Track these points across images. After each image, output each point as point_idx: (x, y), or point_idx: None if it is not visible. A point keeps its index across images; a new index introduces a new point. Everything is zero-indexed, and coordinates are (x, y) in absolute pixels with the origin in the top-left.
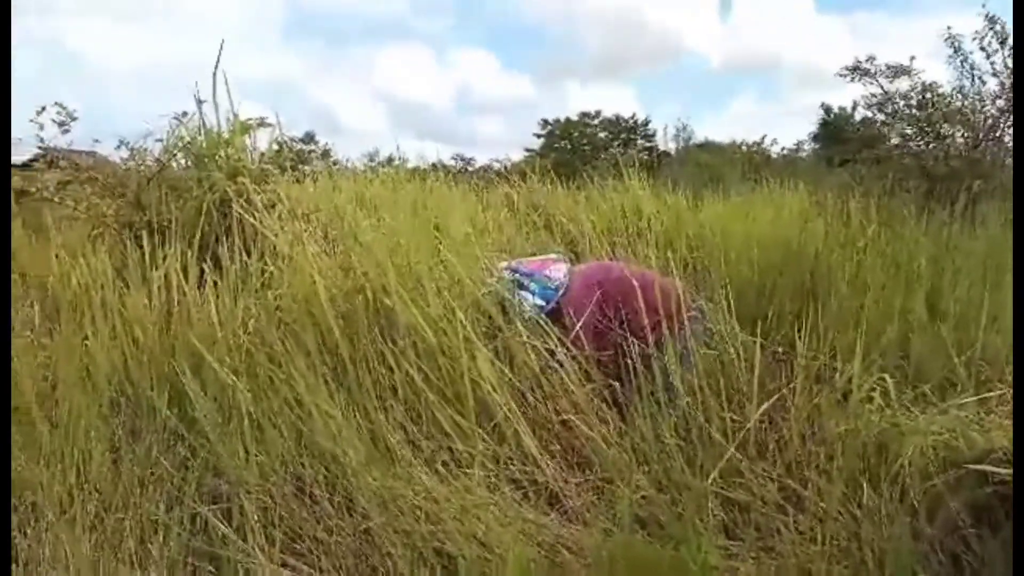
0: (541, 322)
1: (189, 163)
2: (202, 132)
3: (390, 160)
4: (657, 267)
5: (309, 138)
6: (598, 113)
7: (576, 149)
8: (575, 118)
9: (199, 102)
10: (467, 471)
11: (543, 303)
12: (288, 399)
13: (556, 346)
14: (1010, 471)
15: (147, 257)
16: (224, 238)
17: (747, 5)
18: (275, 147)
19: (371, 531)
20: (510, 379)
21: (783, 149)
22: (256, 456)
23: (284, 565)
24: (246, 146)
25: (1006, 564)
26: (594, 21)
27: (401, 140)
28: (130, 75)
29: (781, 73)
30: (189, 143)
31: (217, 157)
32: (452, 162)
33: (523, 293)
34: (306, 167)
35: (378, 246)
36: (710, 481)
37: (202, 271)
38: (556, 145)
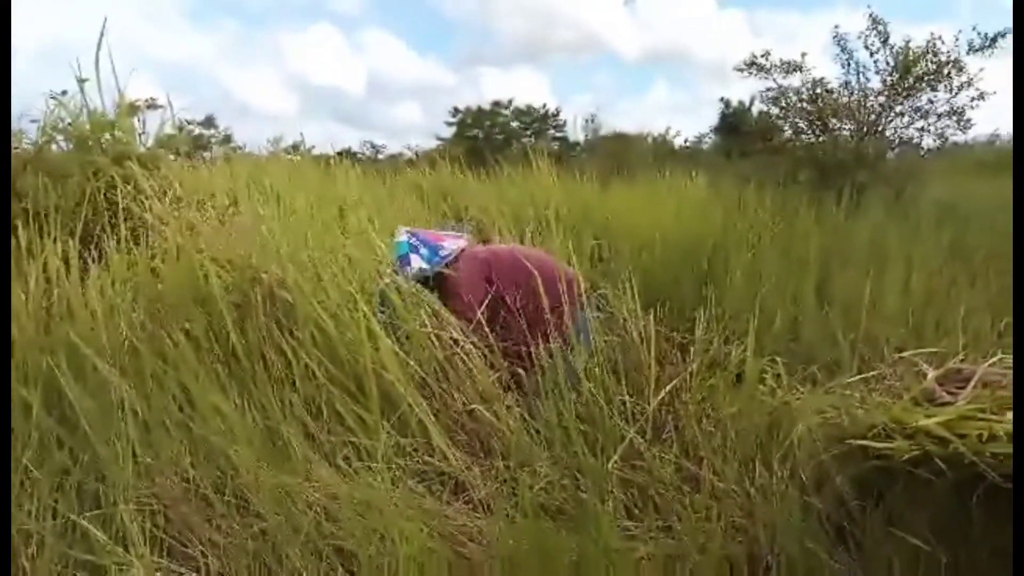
0: (418, 288)
1: (70, 146)
2: (85, 113)
3: (295, 146)
4: (564, 255)
5: (209, 122)
6: (510, 102)
7: (488, 138)
8: (488, 107)
9: (80, 81)
10: (370, 465)
11: (427, 266)
12: (177, 396)
13: (459, 335)
14: (889, 445)
15: (23, 248)
16: (109, 227)
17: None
18: (168, 130)
19: (267, 531)
20: (414, 370)
21: (686, 140)
22: (142, 458)
23: (170, 571)
24: (134, 129)
25: (885, 533)
26: (508, 9)
27: (312, 125)
28: (32, 54)
29: (688, 66)
30: (70, 124)
31: (102, 140)
32: (363, 149)
33: (413, 256)
34: (205, 152)
35: (275, 234)
36: (611, 465)
37: (85, 262)
38: (468, 134)
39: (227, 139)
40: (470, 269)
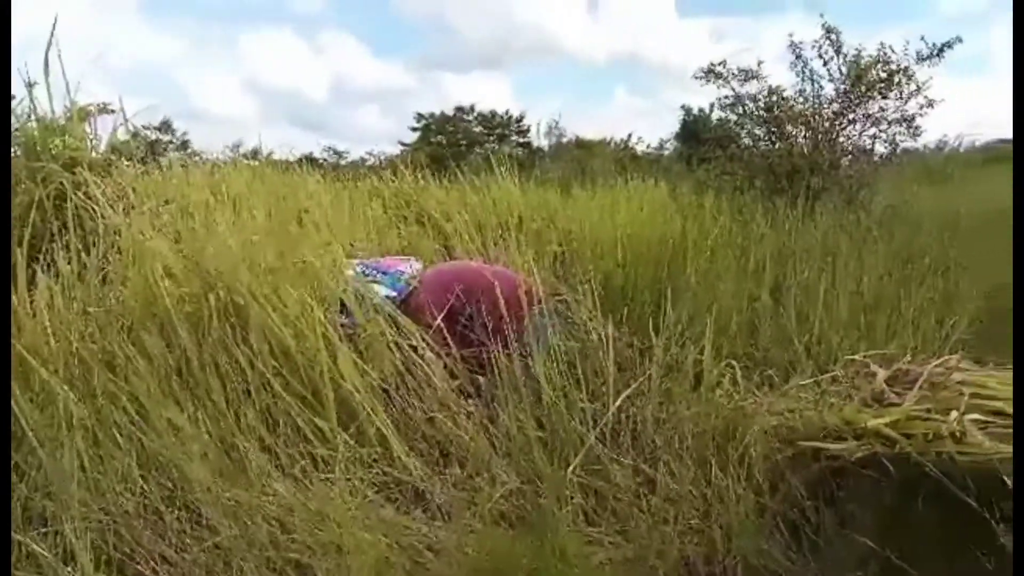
0: (393, 313)
1: (18, 152)
2: (33, 118)
3: (255, 152)
4: (526, 261)
5: (166, 126)
6: (473, 107)
7: (452, 143)
8: (451, 112)
9: (29, 85)
10: (327, 476)
11: (395, 294)
12: (128, 409)
13: (419, 342)
14: (839, 446)
15: None
16: (60, 235)
17: (617, 6)
18: (122, 135)
19: (221, 546)
20: (373, 379)
21: (648, 147)
22: (92, 473)
23: None
24: (85, 134)
25: (837, 533)
26: (471, 13)
27: (272, 130)
28: None
29: (650, 72)
30: (17, 130)
31: (51, 146)
32: (325, 154)
33: (374, 287)
34: (161, 158)
35: (232, 242)
36: (571, 471)
37: (34, 272)
38: (431, 139)
39: (184, 144)
40: (435, 291)
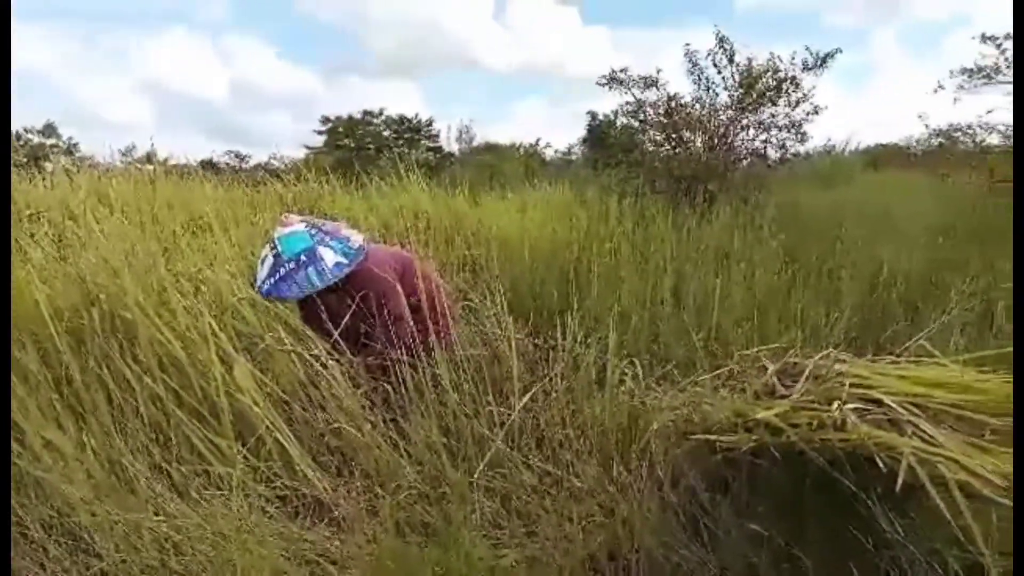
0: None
1: None
2: None
3: (149, 157)
4: (436, 264)
5: (50, 130)
6: (382, 111)
7: (360, 148)
8: (359, 116)
9: None
10: (224, 493)
11: (345, 261)
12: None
13: (320, 351)
14: (732, 438)
15: None
16: None
17: (521, 15)
18: None
19: (107, 572)
20: (272, 389)
21: (556, 152)
22: None
23: None
24: None
25: (733, 522)
26: (380, 19)
27: (170, 135)
28: None
29: (557, 80)
30: None
31: None
32: (226, 159)
33: (323, 249)
34: (46, 163)
35: (117, 251)
36: (476, 475)
37: None
38: (339, 143)
39: (71, 150)
40: (382, 262)
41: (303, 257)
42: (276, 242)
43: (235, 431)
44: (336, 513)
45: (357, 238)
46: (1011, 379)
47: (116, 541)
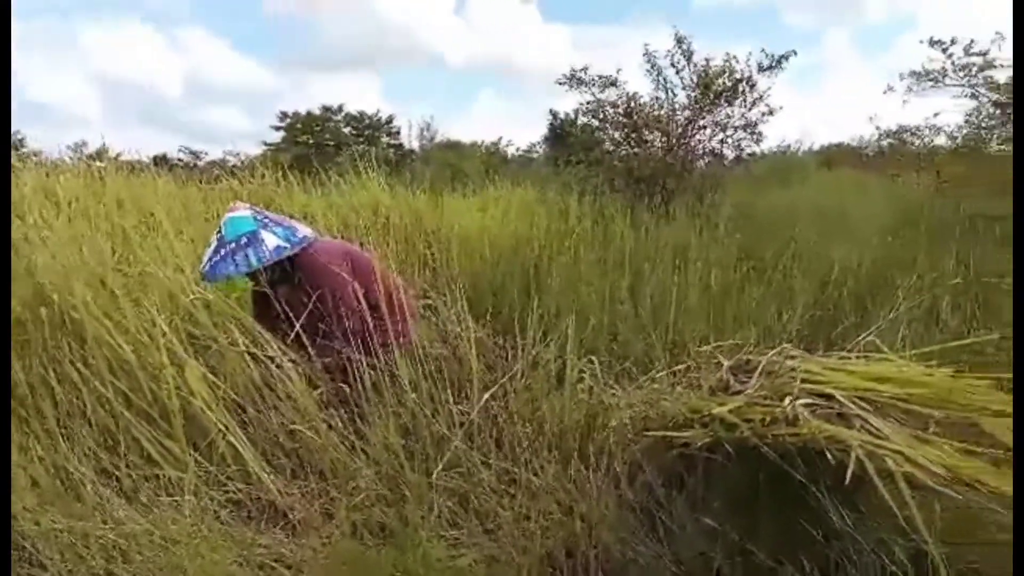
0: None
1: None
2: None
3: (99, 152)
4: (395, 263)
5: None
6: (341, 108)
7: (318, 144)
8: (318, 111)
9: None
10: (176, 498)
11: (287, 245)
12: None
13: (276, 352)
14: (687, 434)
15: None
16: None
17: (482, 11)
18: None
19: None
20: (226, 392)
21: (518, 150)
22: None
23: None
24: None
25: (691, 518)
26: (337, 12)
27: (120, 129)
28: None
29: (517, 76)
30: None
31: None
32: (180, 155)
33: (266, 233)
34: None
35: (65, 250)
36: (435, 475)
37: None
38: (297, 139)
39: (17, 145)
40: (332, 255)
41: (244, 239)
42: (221, 226)
43: (187, 434)
44: (291, 516)
45: (305, 230)
46: (955, 373)
47: (61, 550)
